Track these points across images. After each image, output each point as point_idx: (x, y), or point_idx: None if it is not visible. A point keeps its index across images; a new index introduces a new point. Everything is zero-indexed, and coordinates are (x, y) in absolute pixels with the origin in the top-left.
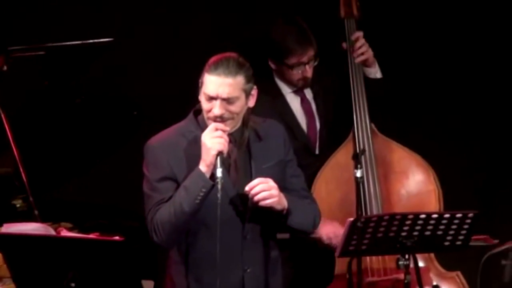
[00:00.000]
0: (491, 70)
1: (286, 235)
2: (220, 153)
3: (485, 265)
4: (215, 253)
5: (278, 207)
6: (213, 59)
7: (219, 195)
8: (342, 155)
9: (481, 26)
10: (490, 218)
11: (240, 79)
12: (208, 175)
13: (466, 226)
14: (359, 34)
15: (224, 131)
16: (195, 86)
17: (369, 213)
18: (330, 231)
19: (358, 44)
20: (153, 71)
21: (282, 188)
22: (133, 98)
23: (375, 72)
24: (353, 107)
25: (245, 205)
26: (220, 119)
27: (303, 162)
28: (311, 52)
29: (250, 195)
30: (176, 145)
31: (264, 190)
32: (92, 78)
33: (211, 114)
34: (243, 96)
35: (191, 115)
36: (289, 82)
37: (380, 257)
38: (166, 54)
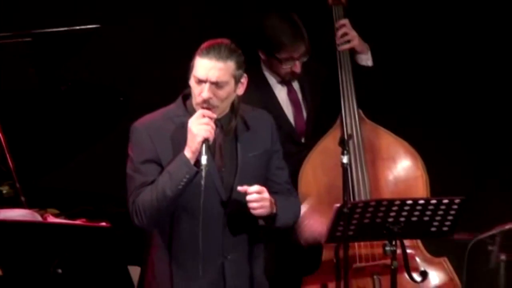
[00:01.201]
0: (478, 59)
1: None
2: (206, 140)
3: (471, 251)
4: (197, 240)
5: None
6: (205, 43)
7: (202, 182)
8: (330, 141)
9: (469, 18)
10: (477, 204)
11: (230, 64)
12: (192, 162)
13: (452, 212)
14: (344, 21)
15: (211, 118)
16: (183, 73)
17: (356, 199)
18: (309, 236)
19: (340, 32)
20: (140, 57)
21: (266, 178)
22: (119, 85)
23: (366, 59)
24: (341, 93)
25: (228, 193)
26: (207, 103)
27: (288, 151)
28: (302, 49)
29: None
30: (162, 129)
31: (257, 201)
32: (78, 64)
33: (199, 98)
34: (232, 82)
35: (179, 100)
36: (277, 74)
37: (367, 243)
38: (153, 41)
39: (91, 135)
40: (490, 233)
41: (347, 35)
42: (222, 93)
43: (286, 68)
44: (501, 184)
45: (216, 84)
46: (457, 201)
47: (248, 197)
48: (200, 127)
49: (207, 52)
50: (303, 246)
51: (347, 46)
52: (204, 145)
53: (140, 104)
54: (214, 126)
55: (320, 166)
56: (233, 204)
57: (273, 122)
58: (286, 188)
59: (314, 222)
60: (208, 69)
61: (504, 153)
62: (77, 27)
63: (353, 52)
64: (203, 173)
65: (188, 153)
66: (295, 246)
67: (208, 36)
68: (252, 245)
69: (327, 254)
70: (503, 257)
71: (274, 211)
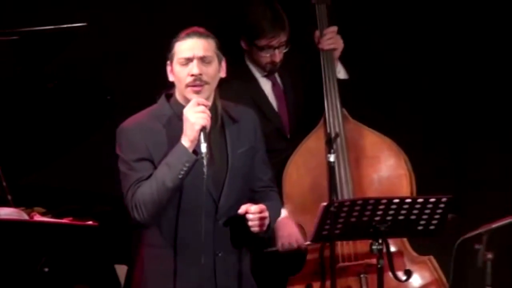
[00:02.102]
0: (464, 58)
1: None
2: (203, 128)
3: (458, 250)
4: (187, 237)
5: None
6: (182, 32)
7: (205, 170)
8: (313, 141)
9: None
10: (464, 203)
11: (212, 42)
12: (191, 150)
13: (439, 211)
14: (333, 28)
15: (206, 106)
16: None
17: (340, 198)
18: (285, 241)
19: (328, 36)
20: (127, 55)
21: (251, 175)
22: (106, 83)
23: (337, 72)
24: (324, 92)
25: (219, 189)
26: (199, 80)
27: (276, 146)
28: (282, 38)
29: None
30: (151, 128)
31: (258, 220)
32: (65, 62)
33: (188, 79)
34: (216, 60)
35: (163, 99)
36: (258, 65)
37: (351, 242)
38: (139, 39)
39: (78, 133)
40: (477, 231)
41: (333, 39)
42: (210, 70)
43: (265, 56)
44: (487, 182)
45: (203, 60)
46: (444, 200)
47: (250, 218)
48: (197, 115)
49: (187, 36)
50: (280, 252)
51: (330, 46)
52: (202, 133)
53: (127, 102)
54: (209, 113)
55: (303, 166)
56: (224, 201)
57: (256, 118)
58: (269, 185)
59: (290, 228)
60: (193, 47)
61: (490, 151)
62: (64, 26)
63: None
64: (205, 161)
65: (186, 142)
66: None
67: None
68: (241, 243)
69: (312, 254)
70: (490, 255)
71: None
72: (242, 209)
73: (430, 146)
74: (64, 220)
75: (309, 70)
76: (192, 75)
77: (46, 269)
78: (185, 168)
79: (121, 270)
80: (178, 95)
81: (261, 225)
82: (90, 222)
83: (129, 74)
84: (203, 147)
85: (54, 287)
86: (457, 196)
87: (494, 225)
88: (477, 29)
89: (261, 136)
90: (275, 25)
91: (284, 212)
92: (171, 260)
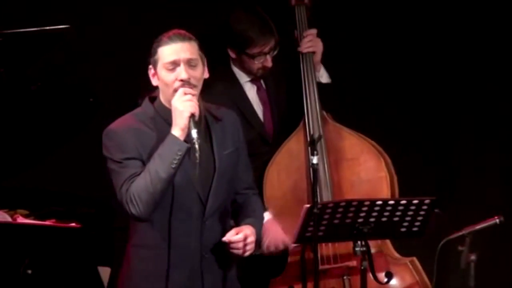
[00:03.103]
0: (448, 60)
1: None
2: (192, 116)
3: (442, 251)
4: (175, 238)
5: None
6: (162, 36)
7: (197, 155)
8: (294, 143)
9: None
10: (447, 204)
11: (194, 44)
12: (182, 139)
13: (422, 213)
14: (312, 31)
15: (192, 94)
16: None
17: (318, 201)
18: (270, 244)
19: (307, 39)
20: (110, 58)
21: (234, 177)
22: (89, 85)
23: (320, 76)
24: (304, 95)
25: (206, 190)
26: (188, 84)
27: (257, 150)
28: (272, 42)
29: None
30: (138, 129)
31: (239, 249)
32: (48, 65)
33: (176, 84)
34: (200, 62)
35: (147, 102)
36: (248, 71)
37: (330, 244)
38: (123, 41)
39: (61, 135)
40: (460, 233)
41: (312, 42)
42: (196, 73)
43: (257, 63)
44: (471, 184)
45: (190, 63)
46: (427, 201)
47: (232, 247)
48: (185, 104)
49: (170, 39)
50: (264, 255)
51: (309, 49)
52: (191, 121)
53: (111, 105)
54: (197, 102)
55: (284, 169)
56: (211, 202)
57: (238, 118)
58: (251, 187)
59: (275, 231)
60: (178, 51)
61: (475, 152)
62: (48, 27)
63: None
64: (196, 146)
65: (176, 131)
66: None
67: None
68: (226, 245)
69: (293, 256)
70: (473, 257)
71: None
72: (225, 239)
73: (415, 148)
74: (47, 222)
75: (290, 73)
76: (181, 80)
77: (29, 271)
78: (177, 157)
79: (104, 272)
80: (163, 99)
81: (244, 252)
82: (73, 224)
83: (113, 77)
84: (194, 133)
85: None
86: (440, 197)
87: (478, 227)
88: (461, 27)
89: (243, 137)
90: (265, 32)
91: (267, 215)
92: (159, 260)
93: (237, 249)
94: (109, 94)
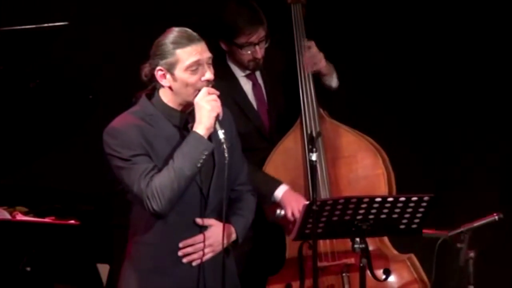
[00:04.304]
0: (445, 57)
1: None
2: (217, 116)
3: (440, 248)
4: (178, 234)
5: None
6: (169, 36)
7: (226, 155)
8: (291, 140)
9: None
10: (445, 202)
11: (204, 42)
12: (206, 138)
13: (421, 210)
14: (309, 44)
15: (216, 95)
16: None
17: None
18: (294, 205)
19: (308, 54)
20: (109, 55)
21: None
22: (88, 82)
23: (331, 81)
24: (300, 92)
25: (207, 185)
26: (211, 84)
27: (256, 146)
28: (261, 33)
29: None
30: (140, 127)
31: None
32: (47, 61)
33: (200, 84)
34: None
35: (144, 100)
36: (240, 64)
37: (328, 242)
38: (120, 38)
39: (60, 132)
40: (459, 230)
41: (314, 57)
42: (212, 70)
43: (246, 54)
44: (469, 181)
45: (208, 63)
46: (426, 198)
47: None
48: (212, 103)
49: (188, 40)
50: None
51: (313, 68)
52: (217, 121)
53: (110, 102)
54: (220, 102)
55: (282, 166)
56: (213, 196)
57: (232, 117)
58: (244, 183)
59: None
60: (200, 51)
61: (472, 150)
62: (46, 25)
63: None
64: (225, 146)
65: (201, 130)
66: (260, 244)
67: None
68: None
69: (291, 253)
70: (471, 254)
71: (235, 238)
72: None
73: (413, 145)
74: (46, 219)
75: (289, 71)
76: (208, 80)
77: (28, 268)
78: (203, 157)
79: (103, 269)
80: (165, 97)
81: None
82: (72, 221)
83: (112, 73)
84: (221, 134)
85: (36, 286)
86: (439, 195)
87: (476, 224)
88: (457, 23)
89: (237, 134)
90: (252, 21)
91: (285, 187)
92: (161, 257)
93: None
94: (108, 91)
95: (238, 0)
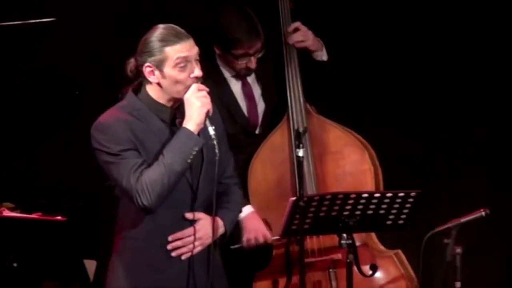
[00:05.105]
0: (433, 54)
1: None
2: (208, 112)
3: (427, 244)
4: (166, 228)
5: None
6: (156, 33)
7: (217, 151)
8: (278, 136)
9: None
10: (433, 197)
11: (192, 38)
12: (196, 134)
13: (408, 205)
14: (297, 24)
15: (206, 91)
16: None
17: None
18: (251, 236)
19: (295, 35)
20: (96, 51)
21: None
22: (75, 78)
23: (322, 55)
24: (287, 87)
25: (196, 180)
26: (199, 81)
27: (241, 143)
28: (258, 45)
29: None
30: (128, 122)
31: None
32: (34, 57)
33: (189, 81)
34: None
35: (131, 95)
36: (232, 69)
37: (314, 237)
38: (108, 35)
39: (46, 128)
40: (446, 226)
41: (300, 37)
42: (199, 66)
43: (241, 64)
44: (456, 177)
45: (197, 59)
46: (412, 194)
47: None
48: (203, 99)
49: (177, 37)
50: (244, 249)
51: (301, 45)
52: (207, 117)
53: (97, 98)
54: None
55: (268, 161)
56: (201, 190)
57: (218, 113)
58: (232, 176)
59: (256, 223)
60: (189, 48)
61: (459, 145)
62: (33, 21)
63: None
64: (215, 142)
65: (191, 126)
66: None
67: None
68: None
69: (277, 249)
70: (458, 250)
71: (223, 231)
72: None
73: (400, 140)
74: (33, 215)
75: (279, 68)
76: (197, 77)
77: (15, 264)
78: (193, 153)
79: (90, 265)
80: (153, 93)
81: (192, 247)
82: (59, 217)
83: (100, 70)
84: (211, 130)
85: (23, 283)
86: (426, 190)
87: (463, 220)
88: (436, 19)
89: (223, 128)
90: (251, 35)
91: (249, 208)
92: (150, 252)
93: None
94: (95, 87)
95: (235, 7)
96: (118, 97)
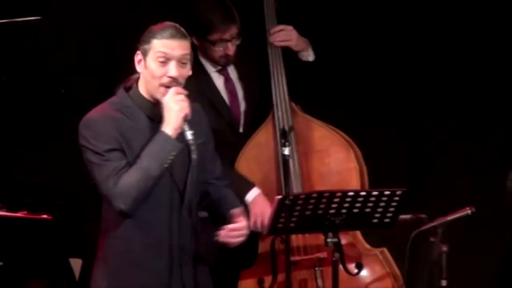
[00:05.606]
0: (419, 51)
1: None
2: (185, 116)
3: (413, 242)
4: (154, 229)
5: None
6: (157, 26)
7: (193, 157)
8: (263, 135)
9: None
10: (418, 196)
11: (187, 41)
12: (174, 138)
13: (394, 204)
14: (281, 27)
15: (185, 95)
16: (123, 63)
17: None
18: (258, 219)
19: (276, 36)
20: (82, 49)
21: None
22: (61, 76)
23: (307, 55)
24: (272, 86)
25: (183, 180)
26: (175, 82)
27: (227, 140)
28: (234, 30)
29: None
30: (117, 120)
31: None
32: (19, 55)
33: (165, 79)
34: (189, 60)
35: (122, 92)
36: (211, 60)
37: (300, 236)
38: (94, 32)
39: (32, 127)
40: (432, 224)
41: (283, 36)
42: (185, 71)
43: (218, 50)
44: (442, 176)
45: (181, 62)
46: (398, 192)
47: (232, 235)
48: (180, 104)
49: (166, 32)
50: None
51: (283, 44)
52: (185, 121)
53: (83, 96)
54: (188, 102)
55: (254, 160)
56: (188, 192)
57: (205, 115)
58: (219, 177)
59: (264, 205)
60: (173, 47)
61: (445, 144)
62: (19, 19)
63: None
64: (193, 147)
65: (169, 130)
66: None
67: (146, 26)
68: (198, 235)
69: (263, 247)
70: (444, 248)
71: None
72: (230, 226)
73: (385, 139)
74: (19, 214)
75: (260, 64)
76: (170, 76)
77: (0, 263)
78: (171, 157)
79: (76, 264)
80: (142, 88)
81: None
82: (45, 216)
83: (84, 68)
84: (189, 134)
85: (9, 281)
86: (412, 189)
87: (449, 218)
88: (425, 18)
89: (210, 129)
90: (225, 18)
91: (256, 191)
92: (136, 252)
93: (233, 237)
94: (83, 85)
95: None
96: (114, 93)
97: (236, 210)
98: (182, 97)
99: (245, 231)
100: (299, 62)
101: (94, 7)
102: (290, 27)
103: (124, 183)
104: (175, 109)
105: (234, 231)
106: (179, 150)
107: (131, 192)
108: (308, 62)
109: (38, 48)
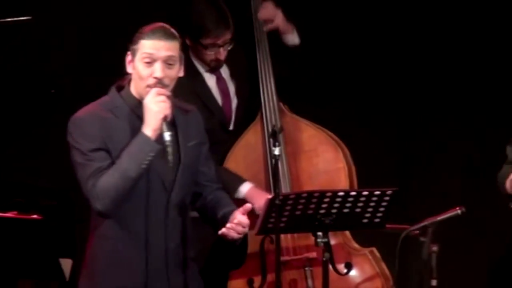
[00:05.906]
0: (409, 50)
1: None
2: (165, 117)
3: (403, 242)
4: (140, 228)
5: None
6: (147, 28)
7: (170, 158)
8: (252, 135)
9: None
10: (407, 196)
11: (176, 43)
12: (153, 140)
13: (384, 204)
14: (266, 3)
15: (166, 95)
16: (114, 63)
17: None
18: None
19: (263, 13)
20: (71, 49)
21: (196, 169)
22: (50, 76)
23: (293, 38)
24: (260, 86)
25: (171, 183)
26: (161, 83)
27: (218, 139)
28: (227, 36)
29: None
30: (105, 119)
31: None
32: (8, 55)
33: (150, 81)
34: (178, 61)
35: (113, 91)
36: (202, 62)
37: (289, 236)
38: (84, 32)
39: (22, 127)
40: (422, 224)
41: (272, 12)
42: (172, 72)
43: (210, 54)
44: (432, 175)
45: (167, 62)
46: (389, 192)
47: (237, 229)
48: (160, 105)
49: (153, 33)
50: None
51: (270, 25)
52: (164, 123)
53: (73, 95)
54: (170, 103)
55: (242, 160)
56: (176, 192)
57: (200, 116)
58: (212, 179)
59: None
60: (159, 48)
61: (435, 143)
62: (9, 19)
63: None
64: (170, 149)
65: (148, 131)
66: (221, 239)
67: (139, 26)
68: (188, 236)
69: (253, 248)
70: (435, 248)
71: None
72: (236, 221)
73: (374, 139)
74: (9, 214)
75: (249, 64)
76: (155, 77)
77: None
78: (149, 158)
79: (66, 264)
80: (132, 88)
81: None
82: (35, 216)
83: (74, 68)
84: (167, 136)
85: None
86: (402, 189)
87: (439, 218)
88: (417, 16)
89: (205, 132)
90: (220, 24)
91: (248, 184)
92: (124, 252)
93: (237, 232)
94: (71, 85)
95: None
96: (108, 91)
97: (241, 208)
98: (163, 98)
99: (247, 229)
100: (284, 46)
101: (94, 7)
102: (270, 7)
103: (102, 184)
104: (155, 110)
105: (239, 226)
106: (157, 151)
107: (109, 193)
108: (293, 48)
109: (28, 48)
